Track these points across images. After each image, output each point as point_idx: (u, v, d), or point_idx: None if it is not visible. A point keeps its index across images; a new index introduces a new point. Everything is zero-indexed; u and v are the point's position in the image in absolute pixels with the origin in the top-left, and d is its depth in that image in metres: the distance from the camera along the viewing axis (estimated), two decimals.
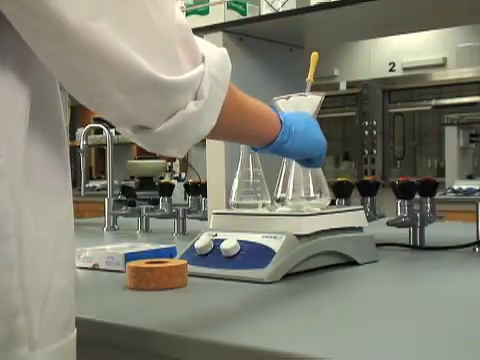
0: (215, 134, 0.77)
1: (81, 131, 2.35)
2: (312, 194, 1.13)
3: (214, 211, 1.21)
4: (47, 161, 0.64)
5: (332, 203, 1.26)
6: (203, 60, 0.69)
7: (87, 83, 0.61)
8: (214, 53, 0.72)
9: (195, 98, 0.68)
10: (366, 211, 1.37)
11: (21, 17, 0.57)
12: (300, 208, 1.13)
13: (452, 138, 4.11)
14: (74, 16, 0.56)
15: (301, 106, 1.11)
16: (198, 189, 1.79)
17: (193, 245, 1.12)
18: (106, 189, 2.11)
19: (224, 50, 0.75)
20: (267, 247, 1.05)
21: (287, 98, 1.14)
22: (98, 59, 0.59)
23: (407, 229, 1.40)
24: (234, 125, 0.83)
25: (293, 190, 1.14)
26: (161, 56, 0.63)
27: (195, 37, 0.70)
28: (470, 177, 4.12)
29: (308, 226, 1.06)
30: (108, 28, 0.58)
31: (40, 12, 0.55)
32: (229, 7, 1.48)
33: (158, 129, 0.67)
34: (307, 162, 1.04)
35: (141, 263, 1.03)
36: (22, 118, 0.60)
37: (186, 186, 1.89)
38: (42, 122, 0.63)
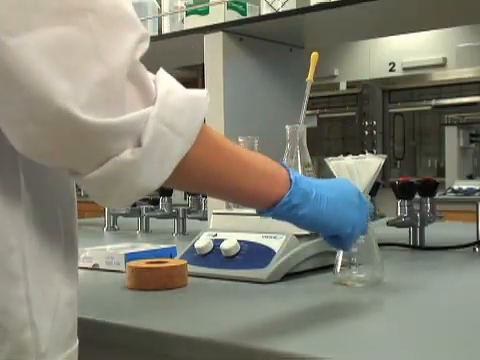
0: (185, 186, 0.69)
1: None
2: None
3: (214, 211, 1.21)
4: (49, 175, 0.64)
5: None
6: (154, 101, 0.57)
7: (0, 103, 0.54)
8: (174, 93, 0.59)
9: (139, 144, 0.56)
10: None
11: None
12: None
13: (452, 138, 4.11)
14: None
15: (356, 170, 0.97)
16: None
17: (193, 245, 1.12)
18: None
19: (199, 92, 0.62)
20: (267, 247, 1.05)
21: (342, 159, 0.98)
22: (11, 78, 0.52)
23: (407, 229, 1.40)
24: (212, 179, 0.67)
25: None
26: (98, 89, 0.53)
27: (164, 75, 0.61)
28: (470, 177, 4.12)
29: None
30: (31, 47, 0.52)
31: None
32: (229, 7, 1.48)
33: (88, 176, 0.56)
34: (333, 240, 0.83)
35: (141, 263, 1.03)
36: None
37: None
38: None
